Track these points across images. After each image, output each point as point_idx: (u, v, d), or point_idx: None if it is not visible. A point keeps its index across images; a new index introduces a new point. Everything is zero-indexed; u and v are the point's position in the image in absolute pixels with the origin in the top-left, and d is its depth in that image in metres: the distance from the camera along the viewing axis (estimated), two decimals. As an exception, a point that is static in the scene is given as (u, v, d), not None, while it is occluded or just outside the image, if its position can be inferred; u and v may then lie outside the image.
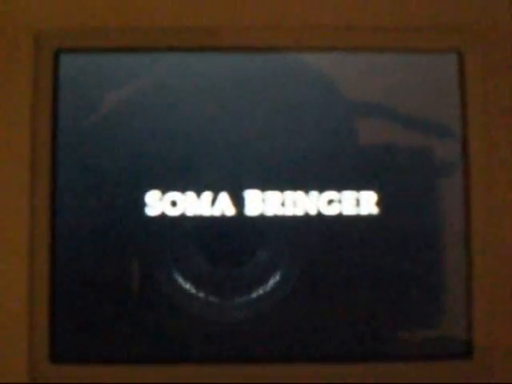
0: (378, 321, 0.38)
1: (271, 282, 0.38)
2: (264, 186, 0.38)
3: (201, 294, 0.38)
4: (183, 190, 0.38)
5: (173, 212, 0.38)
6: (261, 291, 0.38)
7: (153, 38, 0.38)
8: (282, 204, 0.38)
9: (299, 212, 0.38)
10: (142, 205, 0.38)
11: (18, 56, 0.38)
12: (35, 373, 0.37)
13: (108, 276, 0.37)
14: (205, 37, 0.38)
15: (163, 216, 0.38)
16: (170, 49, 0.38)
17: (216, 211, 0.38)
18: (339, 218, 0.38)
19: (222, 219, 0.38)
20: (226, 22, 0.38)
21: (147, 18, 0.38)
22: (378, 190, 0.38)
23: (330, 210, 0.38)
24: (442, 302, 0.38)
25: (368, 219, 0.38)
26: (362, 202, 0.38)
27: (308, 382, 0.37)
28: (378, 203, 0.38)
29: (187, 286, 0.38)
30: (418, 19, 0.38)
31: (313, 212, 0.38)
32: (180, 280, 0.38)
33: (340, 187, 0.38)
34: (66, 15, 0.38)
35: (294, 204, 0.38)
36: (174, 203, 0.38)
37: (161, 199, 0.38)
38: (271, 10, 0.39)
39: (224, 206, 0.38)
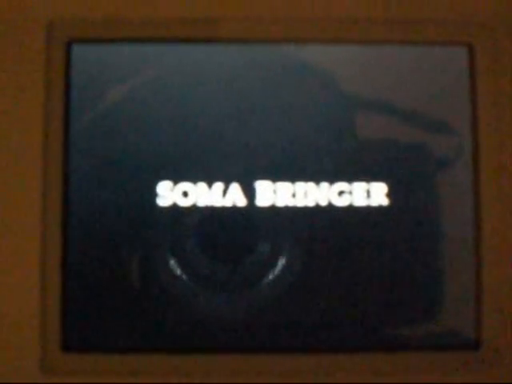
0: (386, 311, 0.38)
1: (279, 273, 0.38)
2: (275, 177, 0.38)
3: (209, 286, 0.38)
4: (195, 180, 0.38)
5: (184, 202, 0.38)
6: (268, 282, 0.38)
7: (166, 29, 0.38)
8: (293, 195, 0.38)
9: (310, 203, 0.38)
10: (154, 195, 0.38)
11: (30, 46, 0.38)
12: (47, 362, 0.37)
13: (120, 266, 0.38)
14: (217, 27, 0.38)
15: (175, 206, 0.38)
16: (183, 39, 0.39)
17: (227, 202, 0.38)
18: (350, 209, 0.38)
19: (233, 210, 0.38)
20: (235, 12, 0.39)
21: (162, 9, 0.38)
22: (389, 182, 0.38)
23: (341, 202, 0.38)
24: (450, 294, 0.38)
25: (378, 210, 0.38)
26: (373, 194, 0.38)
27: (311, 372, 0.37)
28: (389, 194, 0.38)
29: (194, 277, 0.38)
30: (429, 12, 0.39)
31: (323, 203, 0.38)
32: (187, 271, 0.38)
33: (351, 178, 0.38)
34: (78, 5, 0.38)
35: (305, 195, 0.38)
36: (185, 194, 0.38)
37: (172, 190, 0.38)
38: (277, 2, 0.39)
39: (235, 196, 0.38)
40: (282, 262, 0.38)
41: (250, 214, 0.38)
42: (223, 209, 0.38)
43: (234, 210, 0.38)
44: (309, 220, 0.38)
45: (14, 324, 0.37)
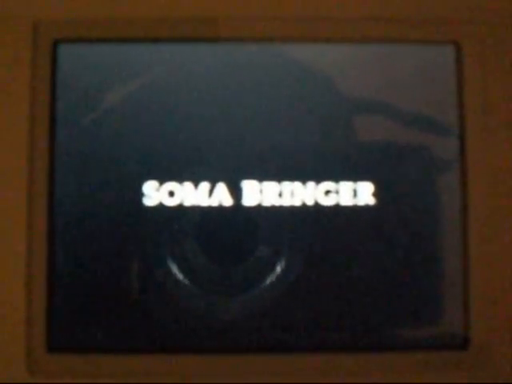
0: (375, 312, 0.38)
1: (277, 275, 0.38)
2: (261, 177, 0.38)
3: (196, 287, 0.38)
4: (181, 180, 0.38)
5: (170, 202, 0.38)
6: (266, 284, 0.38)
7: (152, 29, 0.38)
8: (280, 194, 0.38)
9: (296, 202, 0.38)
10: (140, 195, 0.38)
11: (17, 46, 0.38)
12: (33, 363, 0.37)
13: (105, 266, 0.38)
14: (205, 27, 0.38)
15: (161, 206, 0.38)
16: (169, 40, 0.38)
17: (213, 201, 0.38)
18: (336, 208, 0.38)
19: (219, 209, 0.38)
20: (226, 11, 0.39)
21: (146, 9, 0.38)
22: (375, 181, 0.38)
23: (327, 201, 0.38)
24: (438, 293, 0.38)
25: (365, 210, 0.38)
26: (359, 193, 0.38)
27: (308, 372, 0.37)
28: (375, 194, 0.38)
29: (182, 277, 0.38)
30: (416, 10, 0.38)
31: (310, 202, 0.38)
32: (176, 271, 0.38)
33: (337, 178, 0.38)
34: (65, 5, 0.38)
35: (292, 194, 0.38)
36: (171, 193, 0.38)
37: (158, 189, 0.38)
38: (272, 1, 0.39)
39: (221, 196, 0.38)
40: (279, 264, 0.38)
41: (237, 214, 0.38)
42: (209, 208, 0.38)
43: (231, 210, 0.38)
44: (296, 220, 0.38)
45: (-1, 324, 0.37)
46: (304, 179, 0.38)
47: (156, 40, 0.39)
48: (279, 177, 0.38)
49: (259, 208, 0.38)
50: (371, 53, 0.39)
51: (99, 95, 0.39)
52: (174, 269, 0.38)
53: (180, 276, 0.38)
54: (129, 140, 0.38)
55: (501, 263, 0.38)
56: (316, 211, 0.38)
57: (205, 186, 0.38)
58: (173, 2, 0.38)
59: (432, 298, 0.38)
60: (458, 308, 0.38)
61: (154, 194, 0.38)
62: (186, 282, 0.38)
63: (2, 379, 0.36)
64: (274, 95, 0.38)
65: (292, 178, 0.38)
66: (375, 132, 0.39)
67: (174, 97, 0.38)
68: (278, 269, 0.38)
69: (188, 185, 0.38)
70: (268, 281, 0.38)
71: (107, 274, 0.37)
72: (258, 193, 0.38)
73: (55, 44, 0.38)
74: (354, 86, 0.39)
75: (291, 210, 0.38)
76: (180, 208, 0.38)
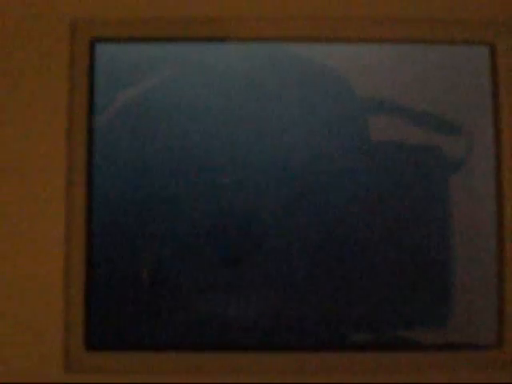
0: (407, 311, 0.38)
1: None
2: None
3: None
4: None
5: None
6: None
7: (186, 28, 0.38)
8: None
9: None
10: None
11: (55, 44, 0.38)
12: (71, 361, 0.37)
13: (141, 266, 0.38)
14: (231, 27, 0.38)
15: None
16: (204, 38, 0.39)
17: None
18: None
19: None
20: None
21: (183, 8, 0.38)
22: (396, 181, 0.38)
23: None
24: (473, 292, 0.38)
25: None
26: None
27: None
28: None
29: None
30: (451, 11, 0.39)
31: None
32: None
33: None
34: (102, 4, 0.38)
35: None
36: None
37: None
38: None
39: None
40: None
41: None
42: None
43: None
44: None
45: (38, 324, 0.37)
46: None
47: (188, 39, 0.39)
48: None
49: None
50: (405, 53, 0.39)
51: (133, 92, 0.39)
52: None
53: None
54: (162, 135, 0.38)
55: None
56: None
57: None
58: (208, 1, 0.39)
59: (466, 296, 0.38)
60: (492, 307, 0.38)
61: None
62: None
63: (40, 378, 0.36)
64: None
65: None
66: (394, 136, 0.39)
67: (205, 94, 0.38)
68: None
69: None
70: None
71: (143, 274, 0.38)
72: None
73: (92, 42, 0.38)
74: (384, 87, 0.39)
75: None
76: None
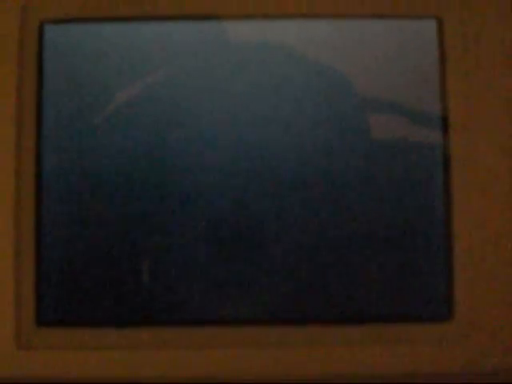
0: (360, 284, 0.38)
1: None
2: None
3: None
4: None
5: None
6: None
7: (138, 7, 0.39)
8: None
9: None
10: None
11: (4, 27, 0.38)
12: (22, 337, 0.37)
13: (95, 242, 0.38)
14: (194, 5, 0.39)
15: None
16: (155, 18, 0.39)
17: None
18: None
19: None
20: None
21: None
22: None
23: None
24: (422, 265, 0.38)
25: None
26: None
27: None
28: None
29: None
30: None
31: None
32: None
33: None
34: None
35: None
36: None
37: None
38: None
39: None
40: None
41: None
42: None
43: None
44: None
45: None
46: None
47: (142, 19, 0.39)
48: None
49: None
50: (353, 28, 0.39)
51: (86, 75, 0.39)
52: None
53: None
54: (118, 116, 0.38)
55: (485, 233, 0.38)
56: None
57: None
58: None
59: (416, 269, 0.38)
60: (442, 280, 0.38)
61: None
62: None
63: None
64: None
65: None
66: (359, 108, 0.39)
67: (166, 75, 0.39)
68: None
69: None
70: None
71: (97, 249, 0.38)
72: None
73: (42, 25, 0.39)
74: (332, 63, 0.39)
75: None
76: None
